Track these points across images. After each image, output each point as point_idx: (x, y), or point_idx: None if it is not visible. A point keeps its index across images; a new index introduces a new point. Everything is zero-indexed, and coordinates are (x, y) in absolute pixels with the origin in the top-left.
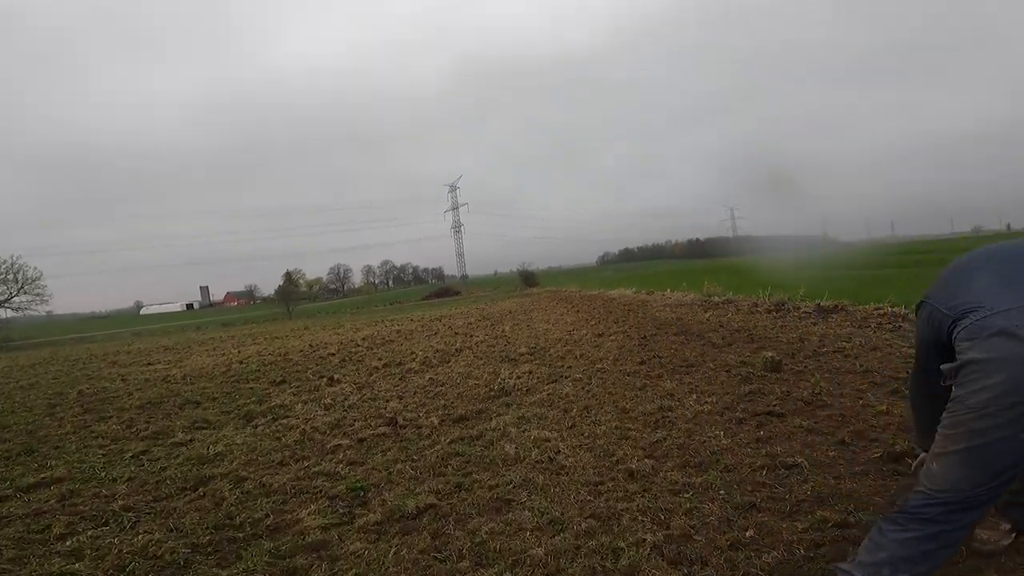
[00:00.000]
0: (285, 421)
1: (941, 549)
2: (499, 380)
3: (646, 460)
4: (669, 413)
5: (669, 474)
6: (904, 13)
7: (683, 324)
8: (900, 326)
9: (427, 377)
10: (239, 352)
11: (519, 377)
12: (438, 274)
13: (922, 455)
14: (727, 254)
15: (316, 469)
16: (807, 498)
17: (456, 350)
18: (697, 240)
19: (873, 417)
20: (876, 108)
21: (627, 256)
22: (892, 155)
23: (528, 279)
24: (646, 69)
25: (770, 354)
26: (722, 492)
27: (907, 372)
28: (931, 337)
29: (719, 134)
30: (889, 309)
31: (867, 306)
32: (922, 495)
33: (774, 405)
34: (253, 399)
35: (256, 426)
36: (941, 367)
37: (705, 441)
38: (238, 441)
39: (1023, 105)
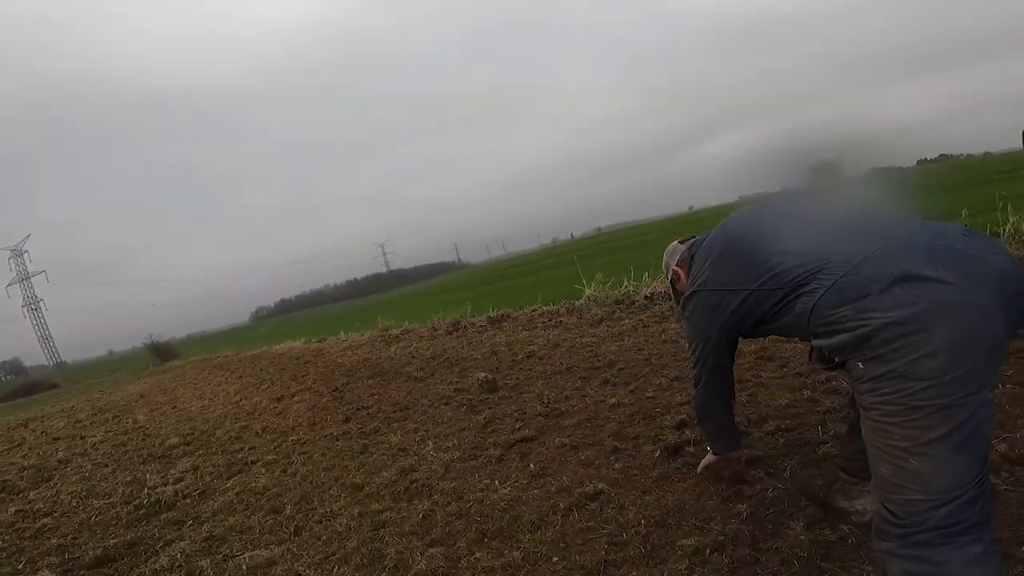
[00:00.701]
0: None
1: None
2: (147, 490)
3: (431, 550)
4: (415, 474)
5: (474, 559)
6: (490, 71)
7: (373, 365)
8: (561, 321)
9: (13, 509)
10: None
11: (180, 479)
12: (15, 367)
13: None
14: (386, 288)
15: None
16: (654, 532)
17: (59, 462)
18: (355, 279)
19: (612, 411)
20: (484, 149)
21: (286, 307)
22: (496, 188)
23: (163, 352)
24: (272, 108)
25: (482, 375)
26: (555, 559)
27: (599, 362)
28: (736, 324)
29: (368, 173)
30: (543, 308)
31: (526, 310)
32: (930, 502)
33: (519, 429)
34: None
35: None
36: (817, 347)
37: (482, 499)
38: None
39: (575, 139)
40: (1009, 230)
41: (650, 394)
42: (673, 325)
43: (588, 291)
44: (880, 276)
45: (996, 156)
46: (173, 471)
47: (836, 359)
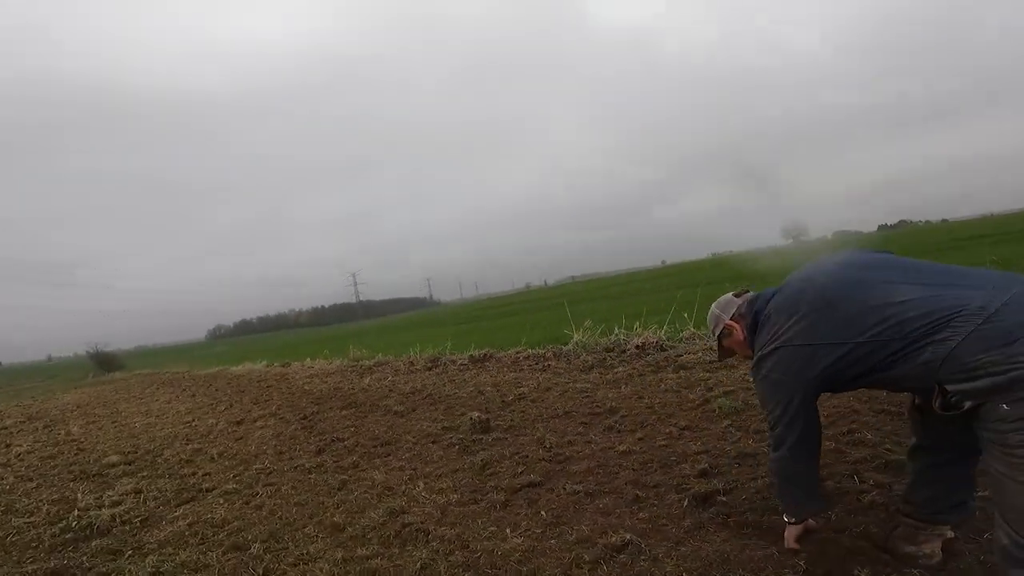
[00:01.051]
0: None
1: None
2: (78, 512)
3: None
4: (405, 516)
5: None
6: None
7: (346, 395)
8: (549, 365)
9: None
10: None
11: (118, 503)
12: None
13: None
14: (354, 319)
15: None
16: None
17: None
18: (322, 307)
19: (624, 459)
20: (462, 186)
21: (246, 328)
22: (471, 227)
23: (106, 362)
24: (264, 121)
25: (475, 414)
26: None
27: (598, 408)
28: (828, 378)
29: (343, 199)
30: (529, 351)
31: (510, 351)
32: None
33: (522, 473)
34: None
35: None
36: (954, 391)
37: (491, 548)
38: None
39: (554, 185)
40: None
41: (662, 442)
42: (671, 375)
43: (576, 336)
44: (1007, 339)
45: (953, 223)
46: (111, 492)
47: (966, 404)
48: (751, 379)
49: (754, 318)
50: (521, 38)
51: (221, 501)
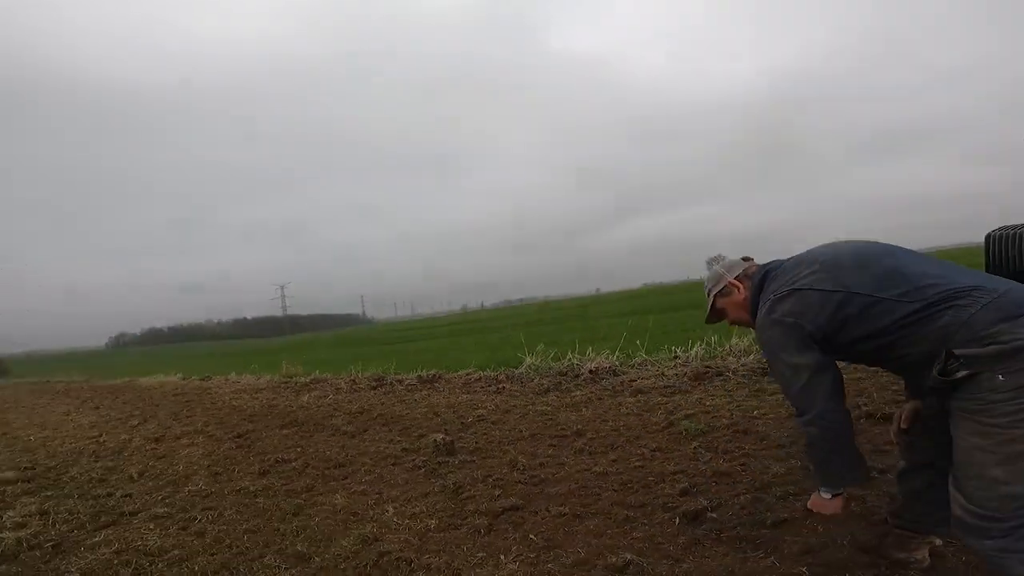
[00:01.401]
0: None
1: None
2: None
3: None
4: (380, 544)
5: None
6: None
7: (283, 413)
8: (503, 388)
9: None
10: None
11: (22, 525)
12: None
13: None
14: (279, 333)
15: None
16: None
17: None
18: (244, 319)
19: (602, 480)
20: (403, 204)
21: (156, 337)
22: (409, 245)
23: None
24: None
25: (439, 436)
26: None
27: (564, 431)
28: (832, 331)
29: (276, 206)
30: (481, 373)
31: (460, 372)
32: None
33: (499, 497)
34: None
35: None
36: (963, 355)
37: (486, 575)
38: None
39: (494, 208)
40: None
41: (637, 463)
42: (630, 399)
43: (529, 360)
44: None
45: None
46: (11, 513)
47: (961, 373)
48: (757, 335)
49: (763, 277)
50: (478, 57)
51: (152, 526)
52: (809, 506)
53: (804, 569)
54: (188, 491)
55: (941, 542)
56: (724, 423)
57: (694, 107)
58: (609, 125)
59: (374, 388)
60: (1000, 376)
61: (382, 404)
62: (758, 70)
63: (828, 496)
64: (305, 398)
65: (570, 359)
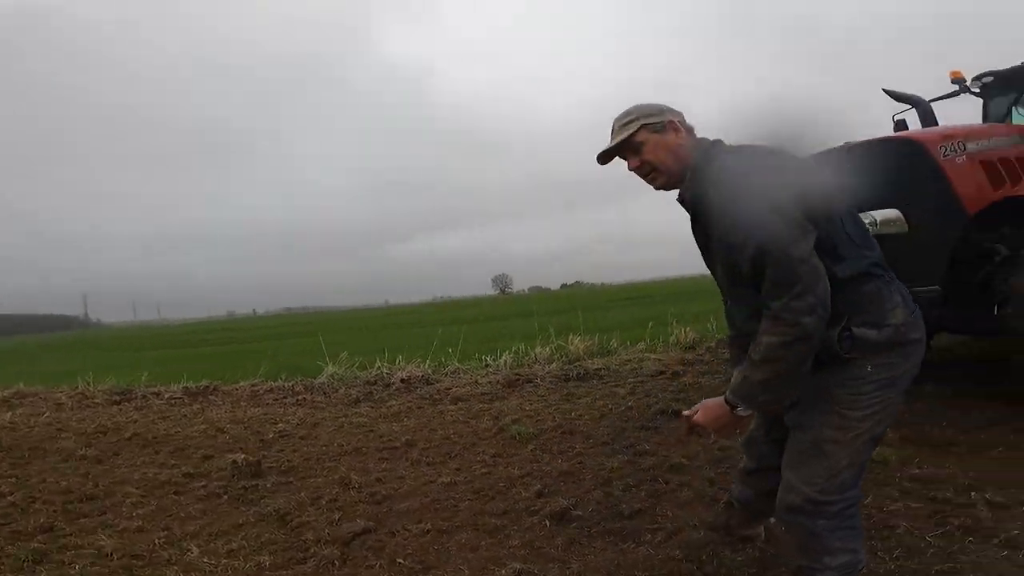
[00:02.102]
0: None
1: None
2: None
3: None
4: None
5: None
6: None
7: None
8: (304, 399)
9: None
10: None
11: None
12: None
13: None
14: None
15: None
16: None
17: None
18: None
19: (452, 491)
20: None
21: None
22: (163, 240)
23: None
24: None
25: (239, 456)
26: None
27: (392, 443)
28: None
29: None
30: (270, 383)
31: (242, 383)
32: (856, 480)
33: (340, 521)
34: None
35: None
36: (858, 336)
37: None
38: None
39: (279, 206)
40: (673, 339)
41: (482, 471)
42: (451, 407)
43: (331, 368)
44: (909, 300)
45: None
46: None
47: (852, 355)
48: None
49: (715, 143)
50: (284, 49)
51: None
52: (696, 419)
53: (677, 552)
54: None
55: (773, 519)
56: (550, 425)
57: (510, 130)
58: (422, 133)
59: (117, 403)
60: (869, 367)
61: (135, 422)
62: (580, 102)
63: (742, 411)
64: (8, 416)
65: (379, 367)
